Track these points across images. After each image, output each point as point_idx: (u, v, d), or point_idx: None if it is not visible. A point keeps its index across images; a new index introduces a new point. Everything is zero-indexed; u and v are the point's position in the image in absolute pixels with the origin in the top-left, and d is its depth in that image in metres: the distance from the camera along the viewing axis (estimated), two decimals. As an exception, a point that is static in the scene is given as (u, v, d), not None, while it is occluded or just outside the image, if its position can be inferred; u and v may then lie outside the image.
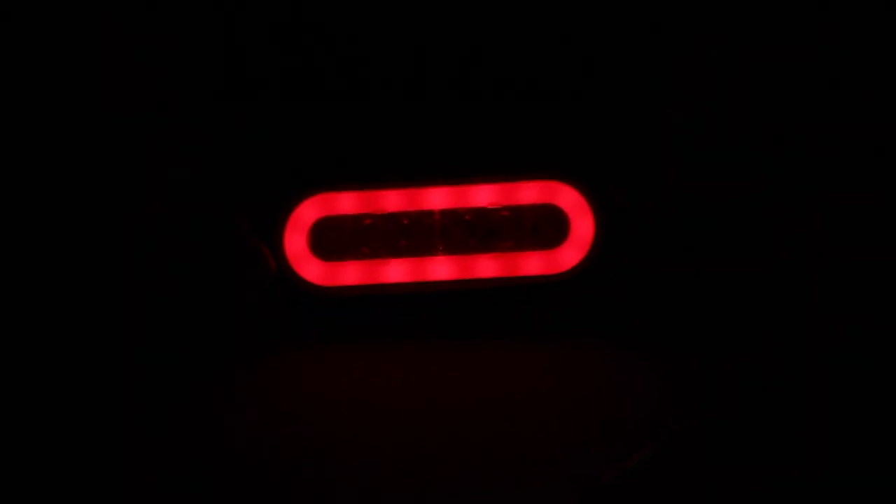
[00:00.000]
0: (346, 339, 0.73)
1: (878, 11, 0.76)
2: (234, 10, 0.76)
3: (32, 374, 0.69)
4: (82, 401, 0.66)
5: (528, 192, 0.73)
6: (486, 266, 0.73)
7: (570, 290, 0.73)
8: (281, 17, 0.76)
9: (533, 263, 0.73)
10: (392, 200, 0.73)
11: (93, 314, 0.74)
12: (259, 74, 0.77)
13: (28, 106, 0.75)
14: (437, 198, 0.73)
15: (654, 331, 0.72)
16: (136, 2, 0.75)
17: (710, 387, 0.66)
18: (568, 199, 0.73)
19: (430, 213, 0.73)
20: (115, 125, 0.76)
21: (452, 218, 0.73)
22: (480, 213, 0.73)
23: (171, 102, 0.76)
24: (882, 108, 0.77)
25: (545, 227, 0.73)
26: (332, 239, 0.73)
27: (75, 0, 0.74)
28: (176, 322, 0.74)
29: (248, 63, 0.77)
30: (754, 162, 0.78)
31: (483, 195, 0.73)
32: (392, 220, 0.73)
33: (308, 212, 0.73)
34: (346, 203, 0.73)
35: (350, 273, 0.73)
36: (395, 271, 0.73)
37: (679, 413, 0.63)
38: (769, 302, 0.74)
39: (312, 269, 0.73)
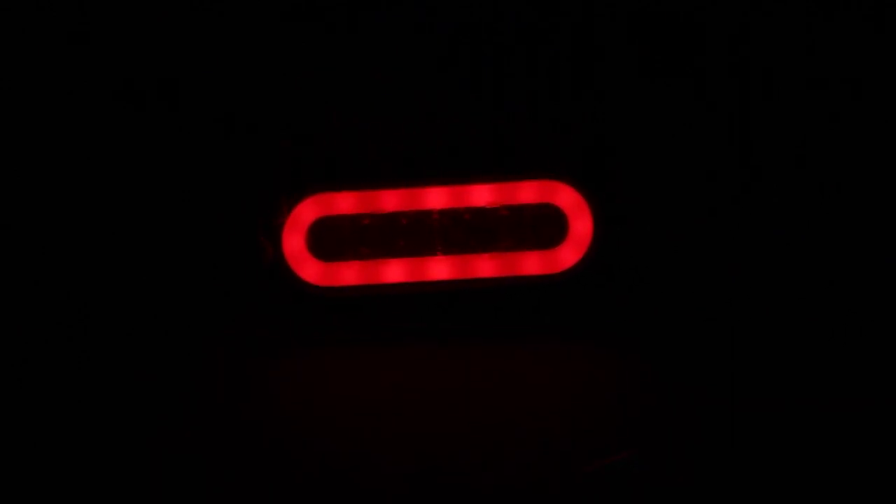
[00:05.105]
0: (344, 338, 0.73)
1: (878, 11, 0.76)
2: (236, 7, 0.76)
3: (33, 374, 0.69)
4: (81, 400, 0.66)
5: (527, 192, 0.73)
6: (485, 266, 0.73)
7: (568, 290, 0.73)
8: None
9: (532, 263, 0.73)
10: (390, 200, 0.72)
11: (93, 314, 0.74)
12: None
13: (28, 106, 0.75)
14: (436, 198, 0.73)
15: (651, 329, 0.72)
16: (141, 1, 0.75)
17: (706, 385, 0.66)
18: (566, 198, 0.73)
19: (428, 213, 0.73)
20: (115, 124, 0.76)
21: (451, 218, 0.73)
22: (479, 213, 0.73)
23: (170, 102, 0.76)
24: (882, 108, 0.77)
25: (544, 226, 0.73)
26: (330, 239, 0.73)
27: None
28: (175, 322, 0.74)
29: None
30: (753, 163, 0.78)
31: (482, 195, 0.73)
32: (391, 220, 0.73)
33: (306, 212, 0.73)
34: (345, 203, 0.73)
35: (349, 273, 0.73)
36: (394, 271, 0.73)
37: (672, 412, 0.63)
38: (767, 301, 0.74)
39: (311, 270, 0.73)
